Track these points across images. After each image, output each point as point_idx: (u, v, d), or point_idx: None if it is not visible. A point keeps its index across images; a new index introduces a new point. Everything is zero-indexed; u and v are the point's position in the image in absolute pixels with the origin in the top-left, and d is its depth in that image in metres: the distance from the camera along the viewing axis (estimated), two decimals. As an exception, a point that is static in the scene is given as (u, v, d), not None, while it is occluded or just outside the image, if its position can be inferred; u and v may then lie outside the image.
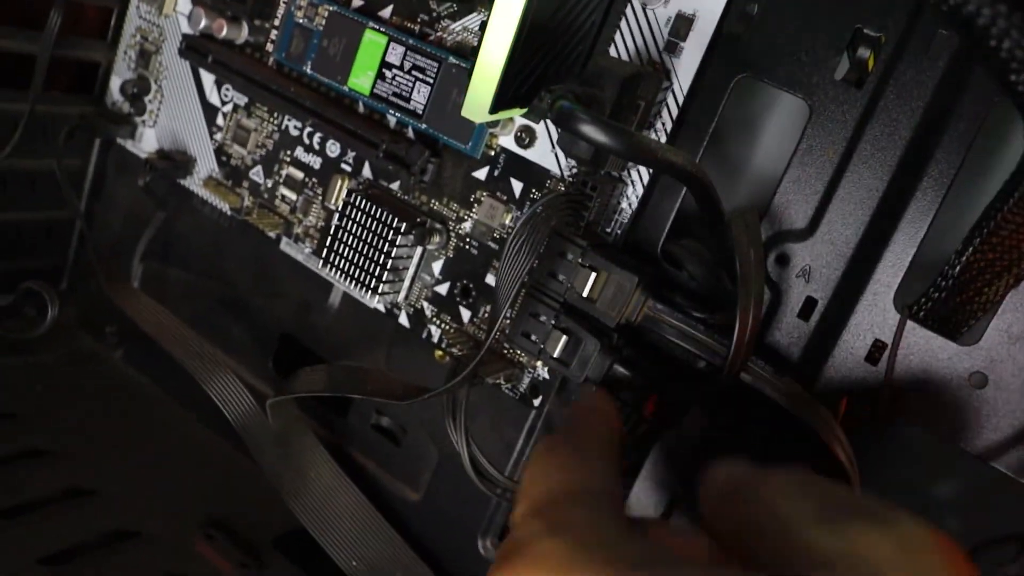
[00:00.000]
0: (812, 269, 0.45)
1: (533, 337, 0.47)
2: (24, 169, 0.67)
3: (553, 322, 0.46)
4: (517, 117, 0.50)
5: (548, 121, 0.50)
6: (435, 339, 0.55)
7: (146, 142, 0.68)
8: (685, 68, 0.46)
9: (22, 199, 0.69)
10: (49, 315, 0.67)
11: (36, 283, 0.66)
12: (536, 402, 0.52)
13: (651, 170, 0.48)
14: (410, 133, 0.55)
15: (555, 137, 0.50)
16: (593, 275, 0.45)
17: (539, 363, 0.52)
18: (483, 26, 0.41)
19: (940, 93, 0.43)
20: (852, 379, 0.45)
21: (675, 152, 0.40)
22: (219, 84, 0.63)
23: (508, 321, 0.48)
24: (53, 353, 0.70)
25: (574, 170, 0.49)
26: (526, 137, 0.50)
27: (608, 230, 0.49)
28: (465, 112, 0.42)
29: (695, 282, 0.47)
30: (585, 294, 0.45)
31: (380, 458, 0.61)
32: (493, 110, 0.41)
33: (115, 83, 0.69)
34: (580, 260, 0.45)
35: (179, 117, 0.66)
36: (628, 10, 0.48)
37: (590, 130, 0.38)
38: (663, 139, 0.47)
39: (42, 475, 0.59)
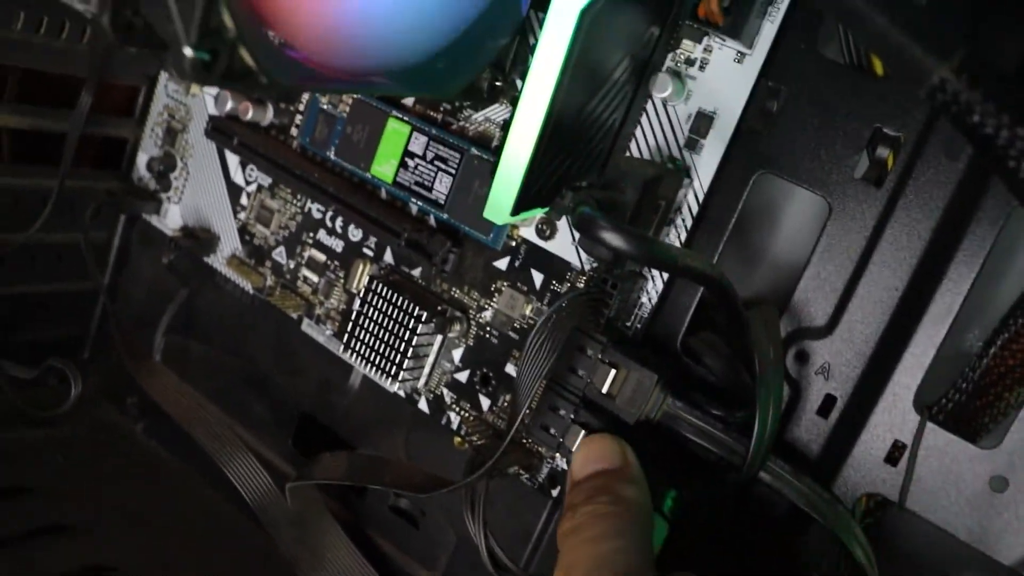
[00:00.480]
0: (832, 367, 0.45)
1: (552, 431, 0.47)
2: (50, 243, 0.68)
3: (572, 416, 0.46)
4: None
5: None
6: (454, 426, 0.55)
7: (171, 218, 0.69)
8: (705, 165, 0.47)
9: (47, 271, 0.70)
10: (73, 393, 0.67)
11: (60, 360, 0.67)
12: (554, 492, 0.52)
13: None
14: (432, 220, 0.55)
15: (576, 232, 0.50)
16: (613, 372, 0.45)
17: (558, 455, 0.52)
18: (505, 126, 0.41)
19: (960, 193, 0.43)
20: (871, 479, 0.45)
21: (694, 257, 0.40)
22: (243, 164, 0.64)
23: (528, 411, 0.49)
24: (74, 425, 0.70)
25: (594, 263, 0.50)
26: (547, 229, 0.51)
27: (628, 324, 0.49)
28: (487, 214, 0.42)
29: (714, 376, 0.47)
30: (605, 390, 0.45)
31: (398, 539, 0.61)
32: (514, 213, 0.42)
33: (142, 159, 0.70)
34: (600, 356, 0.45)
35: (204, 195, 0.67)
36: (649, 106, 0.48)
37: (610, 237, 0.38)
38: (683, 235, 0.47)
39: (62, 552, 0.59)
